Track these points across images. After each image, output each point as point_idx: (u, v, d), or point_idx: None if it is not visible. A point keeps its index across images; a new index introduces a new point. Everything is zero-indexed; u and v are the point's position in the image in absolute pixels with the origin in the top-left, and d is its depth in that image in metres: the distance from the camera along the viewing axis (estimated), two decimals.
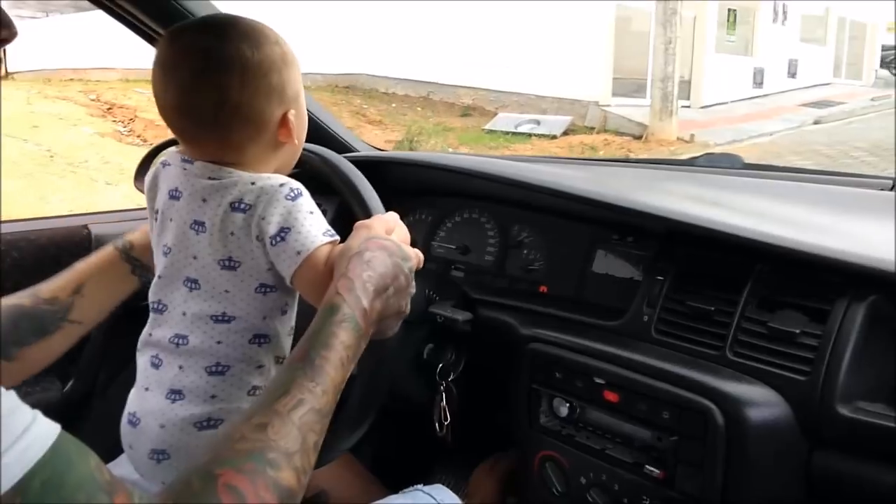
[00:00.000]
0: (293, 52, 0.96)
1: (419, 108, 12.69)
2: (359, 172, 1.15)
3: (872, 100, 16.02)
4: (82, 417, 1.40)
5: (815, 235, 1.07)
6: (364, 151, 1.74)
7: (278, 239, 0.90)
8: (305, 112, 1.00)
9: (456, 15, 12.72)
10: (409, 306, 0.93)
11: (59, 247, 1.44)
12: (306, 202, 0.93)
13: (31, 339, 1.01)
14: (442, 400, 1.36)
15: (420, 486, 1.16)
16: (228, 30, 0.91)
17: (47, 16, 14.56)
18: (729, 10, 15.23)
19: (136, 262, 1.11)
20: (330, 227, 0.94)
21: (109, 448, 1.11)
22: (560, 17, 11.85)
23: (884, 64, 22.29)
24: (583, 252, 1.37)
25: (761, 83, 15.73)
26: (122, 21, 1.38)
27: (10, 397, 0.59)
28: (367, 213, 1.09)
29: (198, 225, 0.93)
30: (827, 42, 19.13)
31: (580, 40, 11.86)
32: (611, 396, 1.13)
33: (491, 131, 11.18)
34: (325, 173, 1.18)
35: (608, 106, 11.93)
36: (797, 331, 1.02)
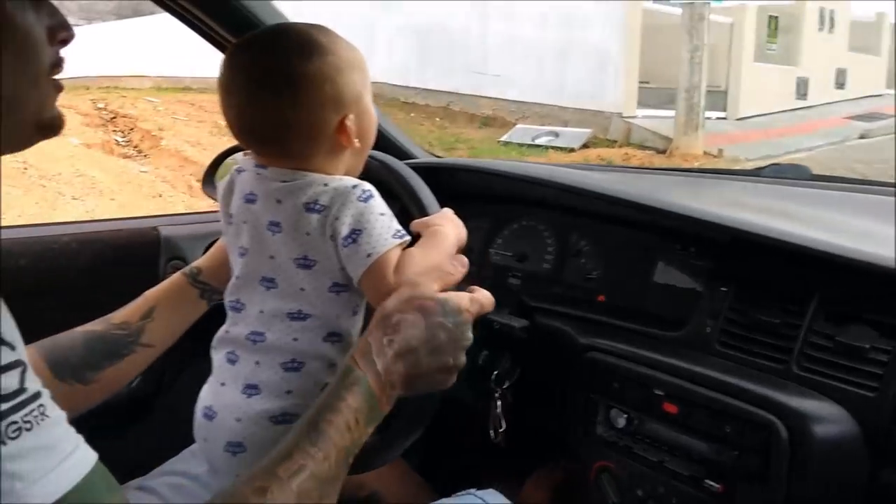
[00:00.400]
0: (352, 55, 0.97)
1: (438, 119, 12.46)
2: (418, 177, 1.16)
3: None
4: (148, 413, 1.44)
5: (885, 248, 1.03)
6: (423, 158, 1.75)
7: (349, 241, 0.92)
8: (370, 110, 1.01)
9: (476, 22, 12.55)
10: (461, 359, 0.92)
11: (129, 247, 1.48)
12: (378, 203, 0.95)
13: (105, 363, 1.05)
14: (497, 407, 1.36)
15: (472, 491, 1.15)
16: (281, 45, 0.94)
17: (90, 23, 14.92)
18: (770, 16, 14.67)
19: (205, 285, 1.13)
20: (400, 228, 0.96)
21: (174, 443, 1.14)
22: (581, 21, 11.55)
23: None
24: (643, 262, 1.35)
25: (805, 94, 15.05)
26: (193, 28, 1.42)
27: (62, 421, 0.62)
28: (425, 216, 1.10)
29: (274, 226, 0.96)
30: (880, 51, 18.19)
31: (602, 47, 11.52)
32: (670, 408, 1.11)
33: (507, 143, 10.94)
34: (385, 178, 1.20)
35: (633, 117, 11.46)
36: (866, 346, 0.99)
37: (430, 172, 1.26)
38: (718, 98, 12.85)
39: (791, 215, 1.29)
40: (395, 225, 0.96)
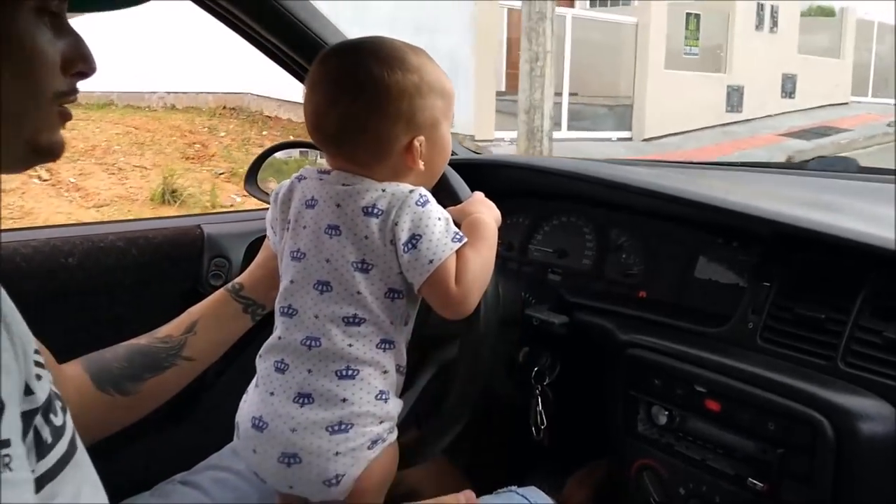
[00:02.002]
0: (439, 81, 1.00)
1: (293, 137, 10.31)
2: (457, 175, 1.16)
3: (889, 125, 12.39)
4: (192, 408, 1.47)
5: None
6: (462, 155, 1.76)
7: (410, 246, 0.94)
8: (445, 139, 1.03)
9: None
10: None
11: (174, 245, 1.51)
12: (435, 208, 0.97)
13: (146, 374, 1.06)
14: (538, 404, 1.36)
15: (514, 488, 1.15)
16: (370, 54, 0.97)
17: None
18: (689, 14, 12.01)
19: (248, 300, 1.15)
20: (458, 230, 0.97)
21: (218, 438, 1.16)
22: (431, 25, 9.30)
23: None
24: (684, 257, 1.34)
25: (739, 106, 12.64)
26: (271, 56, 1.49)
27: (23, 485, 0.58)
28: (457, 202, 1.11)
29: (332, 229, 0.97)
30: (843, 52, 15.39)
31: (454, 56, 9.05)
32: (712, 405, 1.09)
33: None
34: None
35: (489, 141, 9.59)
36: None
37: (469, 169, 1.26)
38: (624, 114, 11.21)
39: (836, 208, 1.26)
40: (453, 228, 0.97)
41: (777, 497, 1.01)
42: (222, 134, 10.38)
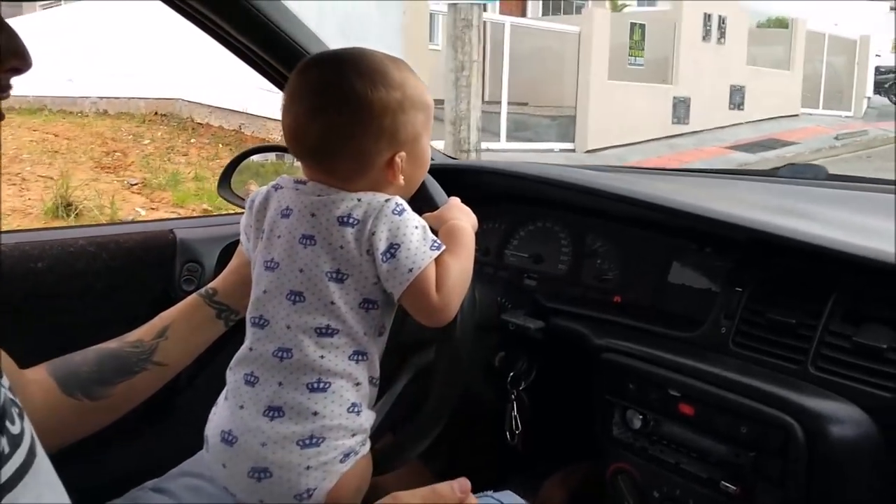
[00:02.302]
0: (420, 95, 0.99)
1: (222, 145, 9.97)
2: (433, 180, 1.16)
3: (837, 138, 12.62)
4: (163, 415, 1.45)
5: None
6: (438, 160, 1.76)
7: (388, 256, 0.93)
8: (425, 153, 1.03)
9: None
10: None
11: (146, 249, 1.49)
12: (411, 216, 0.96)
13: (116, 379, 1.04)
14: (513, 409, 1.36)
15: (489, 492, 1.15)
16: (353, 67, 0.96)
17: None
18: (633, 24, 11.74)
19: (222, 306, 1.13)
20: (435, 238, 0.97)
21: (190, 444, 1.15)
22: (359, 28, 8.82)
23: (881, 90, 18.09)
24: (658, 262, 1.35)
25: (685, 118, 12.31)
26: (250, 63, 1.47)
27: None
28: (433, 207, 1.11)
29: (306, 238, 0.96)
30: (793, 64, 14.98)
31: None
32: (686, 409, 1.10)
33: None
34: None
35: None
36: (884, 346, 0.98)
37: (446, 174, 1.26)
38: (567, 125, 10.93)
39: (807, 215, 1.28)
40: (430, 235, 0.96)
41: (750, 500, 1.02)
42: (146, 141, 9.95)
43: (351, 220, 0.95)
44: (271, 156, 1.63)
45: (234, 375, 0.99)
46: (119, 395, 1.04)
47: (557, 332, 1.35)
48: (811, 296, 1.08)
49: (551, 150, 10.30)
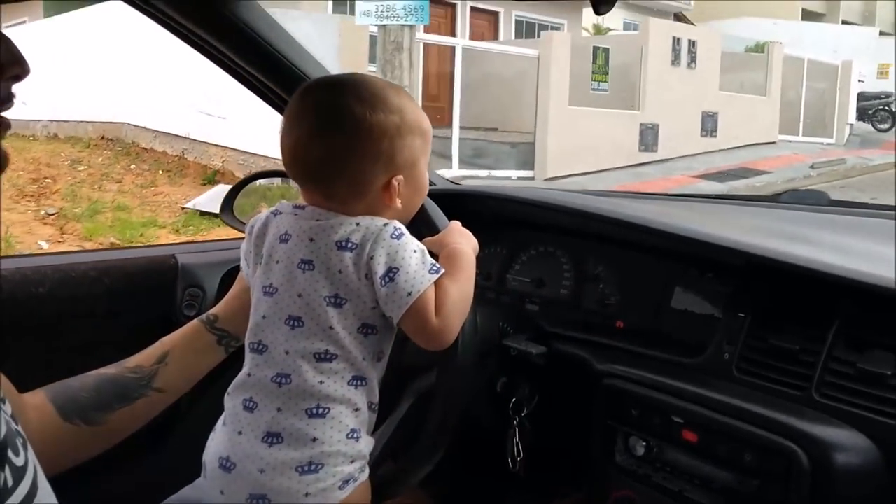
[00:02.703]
0: (418, 120, 1.01)
1: (162, 171, 9.86)
2: (436, 206, 1.17)
3: (812, 167, 11.99)
4: (163, 442, 1.44)
5: None
6: (440, 185, 1.76)
7: (387, 279, 0.93)
8: (423, 177, 1.04)
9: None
10: None
11: (147, 274, 1.50)
12: (410, 240, 0.96)
13: (115, 405, 1.04)
14: (515, 435, 1.35)
15: None
16: (352, 91, 0.97)
17: None
18: (597, 48, 11.27)
19: (223, 332, 1.13)
20: (434, 262, 0.97)
21: (189, 471, 1.14)
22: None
23: (865, 116, 17.11)
24: (660, 287, 1.35)
25: (653, 145, 11.69)
26: (250, 87, 1.48)
27: None
28: (435, 231, 1.11)
29: (305, 263, 0.96)
30: (769, 90, 14.18)
31: None
32: (689, 436, 1.10)
33: (193, 211, 7.94)
34: None
35: None
36: (888, 372, 0.97)
37: (447, 199, 1.27)
38: (526, 151, 10.54)
39: (809, 240, 1.28)
40: (429, 259, 0.97)
41: None
42: (82, 168, 9.86)
43: (349, 245, 0.95)
44: (277, 179, 1.63)
45: (232, 401, 0.99)
46: (117, 421, 1.04)
47: (560, 358, 1.34)
48: (814, 321, 1.08)
49: (509, 178, 10.05)
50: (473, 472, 1.65)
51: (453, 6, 13.32)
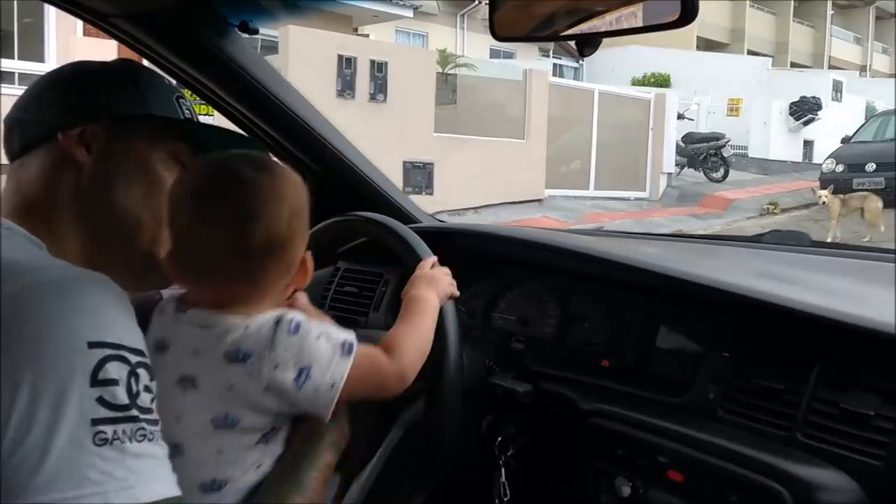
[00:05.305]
0: (304, 201, 0.92)
1: None
2: (423, 243, 1.18)
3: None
4: None
5: (885, 314, 1.04)
6: (426, 223, 1.77)
7: (303, 380, 0.85)
8: (309, 257, 0.95)
9: None
10: None
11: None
12: (310, 328, 0.88)
13: None
14: (501, 475, 1.34)
15: None
16: (248, 178, 0.87)
17: None
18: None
19: None
20: (345, 337, 0.90)
21: None
22: None
23: (696, 162, 14.45)
24: (645, 326, 1.36)
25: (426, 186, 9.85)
26: (234, 121, 1.51)
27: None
28: (416, 259, 1.12)
29: (186, 381, 0.85)
30: (528, 129, 11.20)
31: None
32: (675, 476, 1.10)
33: None
34: (389, 243, 1.21)
35: None
36: (871, 413, 0.98)
37: (434, 237, 1.28)
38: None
39: (792, 280, 1.30)
40: (337, 339, 0.89)
41: None
42: None
43: (241, 356, 0.84)
44: None
45: None
46: None
47: (545, 396, 1.34)
48: (797, 362, 1.09)
49: None
50: None
51: None
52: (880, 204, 10.20)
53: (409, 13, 14.61)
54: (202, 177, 0.89)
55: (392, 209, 1.68)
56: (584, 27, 0.99)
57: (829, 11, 27.90)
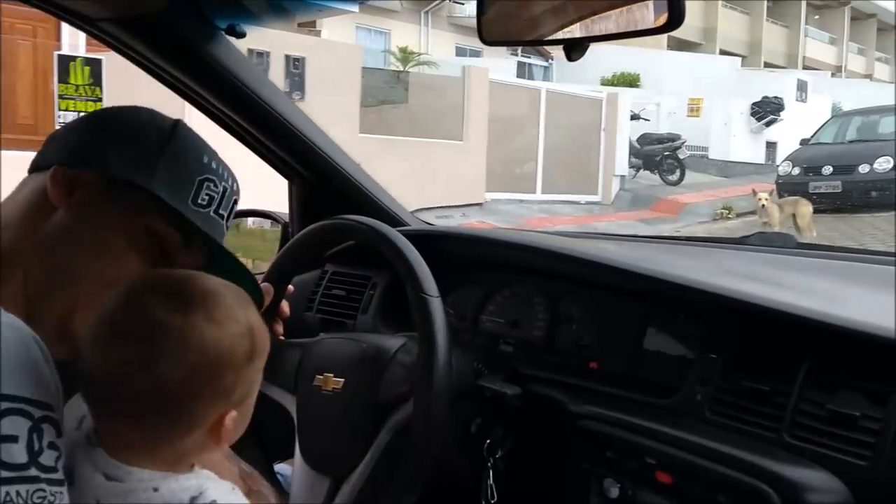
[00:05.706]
0: (265, 341, 0.83)
1: None
2: (411, 246, 1.17)
3: None
4: None
5: (871, 315, 1.05)
6: (415, 226, 1.77)
7: None
8: (250, 412, 0.86)
9: None
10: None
11: None
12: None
13: None
14: (489, 477, 1.34)
15: None
16: (195, 305, 0.77)
17: None
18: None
19: None
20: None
21: None
22: None
23: (652, 164, 13.86)
24: (634, 328, 1.36)
25: None
26: (224, 127, 1.50)
27: None
28: (418, 287, 1.11)
29: None
30: (467, 132, 10.83)
31: None
32: (663, 478, 1.10)
33: None
34: (377, 246, 1.21)
35: None
36: (857, 413, 0.99)
37: (422, 240, 1.28)
38: None
39: (779, 282, 1.31)
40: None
41: None
42: None
43: None
44: (266, 223, 1.62)
45: None
46: None
47: (534, 399, 1.34)
48: (784, 363, 1.09)
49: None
50: None
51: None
52: (811, 209, 9.67)
53: (355, 8, 14.19)
54: (116, 300, 0.78)
55: (379, 211, 1.68)
56: (571, 31, 0.99)
57: (804, 12, 27.96)
